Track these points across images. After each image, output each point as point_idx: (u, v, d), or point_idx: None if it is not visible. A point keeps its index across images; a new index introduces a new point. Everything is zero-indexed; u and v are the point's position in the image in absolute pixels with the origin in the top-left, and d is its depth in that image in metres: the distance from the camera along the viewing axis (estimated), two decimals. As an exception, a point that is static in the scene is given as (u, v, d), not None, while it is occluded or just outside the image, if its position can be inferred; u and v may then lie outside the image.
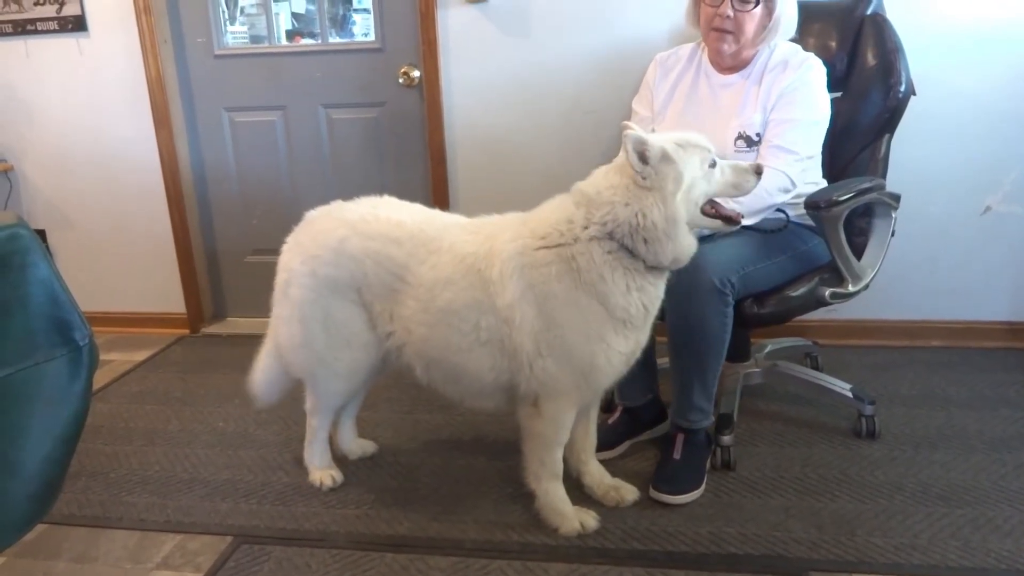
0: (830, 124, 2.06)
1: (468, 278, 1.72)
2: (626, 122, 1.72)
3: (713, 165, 1.68)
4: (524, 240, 1.70)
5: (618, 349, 1.72)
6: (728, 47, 2.02)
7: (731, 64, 2.08)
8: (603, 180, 1.68)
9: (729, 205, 1.78)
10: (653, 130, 2.14)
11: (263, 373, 2.08)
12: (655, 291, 1.72)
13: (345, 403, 2.13)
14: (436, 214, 1.92)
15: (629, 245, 1.64)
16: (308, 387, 2.03)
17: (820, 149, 2.08)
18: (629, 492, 1.96)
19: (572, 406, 1.80)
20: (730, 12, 1.97)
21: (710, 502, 1.95)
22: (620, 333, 1.70)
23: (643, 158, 1.60)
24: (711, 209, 1.71)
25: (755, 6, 1.97)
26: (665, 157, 1.61)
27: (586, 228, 1.65)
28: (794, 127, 1.97)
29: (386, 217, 1.85)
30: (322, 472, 2.10)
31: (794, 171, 1.96)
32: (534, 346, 1.69)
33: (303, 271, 1.86)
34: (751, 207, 1.90)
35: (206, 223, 3.37)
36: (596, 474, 1.99)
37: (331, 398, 2.02)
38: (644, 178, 1.61)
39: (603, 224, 1.64)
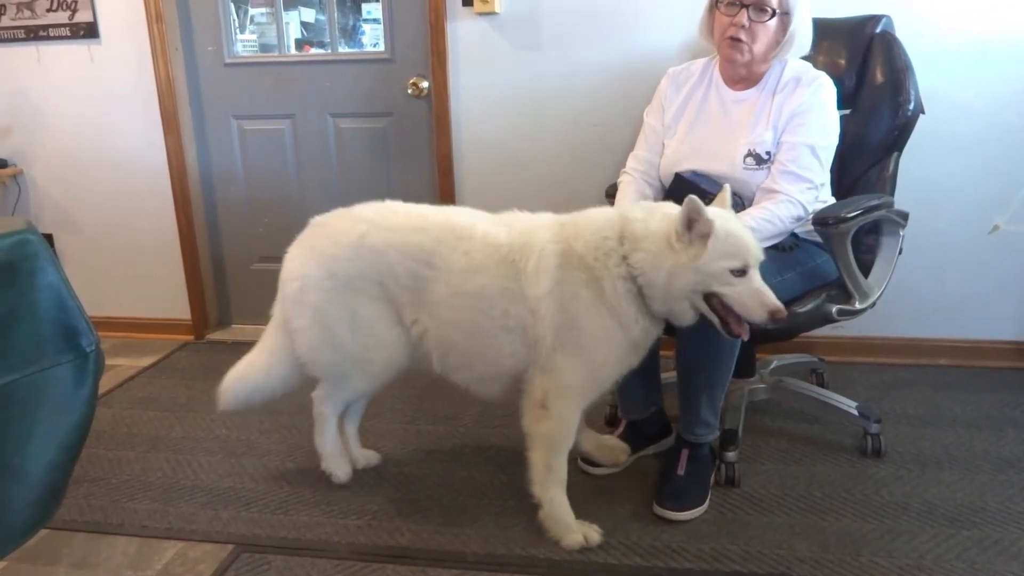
0: (839, 141, 2.06)
1: (501, 267, 1.78)
2: (692, 196, 1.66)
3: (741, 274, 1.67)
4: (566, 246, 1.76)
5: (626, 357, 1.81)
6: (742, 57, 2.01)
7: (744, 77, 2.07)
8: (652, 224, 1.71)
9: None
10: (663, 143, 2.17)
11: (240, 381, 2.05)
12: (655, 330, 1.82)
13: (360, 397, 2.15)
14: (453, 208, 1.98)
15: (644, 292, 1.71)
16: (330, 383, 2.04)
17: (830, 169, 2.08)
18: (622, 452, 2.15)
19: (579, 406, 1.84)
20: (746, 22, 1.97)
21: (714, 519, 1.93)
22: (629, 349, 1.79)
23: (690, 224, 1.64)
24: (721, 308, 1.70)
25: (771, 17, 1.97)
26: (705, 235, 1.64)
27: (619, 266, 1.71)
28: (807, 152, 1.96)
29: (404, 212, 1.91)
30: (332, 462, 2.13)
31: (807, 199, 1.96)
32: (553, 339, 1.75)
33: (320, 274, 1.87)
34: (763, 234, 1.91)
35: (213, 230, 3.38)
36: (592, 438, 2.15)
37: (351, 394, 2.07)
38: (678, 241, 1.66)
39: (632, 267, 1.70)
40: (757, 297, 1.67)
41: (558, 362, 1.76)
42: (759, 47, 2.00)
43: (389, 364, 1.95)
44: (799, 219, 1.96)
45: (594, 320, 1.73)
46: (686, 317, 1.74)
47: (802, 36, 2.02)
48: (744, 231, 1.71)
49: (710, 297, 1.70)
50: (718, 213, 1.70)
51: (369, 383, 2.01)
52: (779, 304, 1.68)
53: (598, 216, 1.80)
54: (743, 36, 1.98)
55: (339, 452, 2.15)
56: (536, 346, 1.77)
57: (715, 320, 1.73)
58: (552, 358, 1.76)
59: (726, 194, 1.80)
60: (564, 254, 1.74)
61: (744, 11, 1.97)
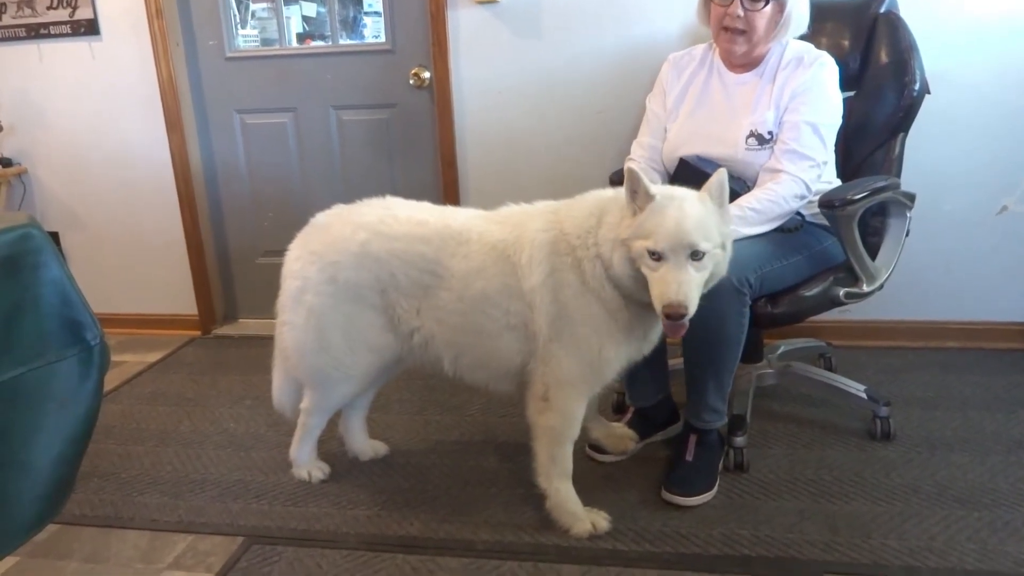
0: (843, 123, 2.04)
1: (499, 265, 1.77)
2: (631, 166, 1.63)
3: (659, 258, 1.55)
4: (556, 232, 1.73)
5: (624, 347, 1.77)
6: (739, 47, 2.00)
7: (743, 62, 2.06)
8: (622, 199, 1.66)
9: (746, 204, 1.78)
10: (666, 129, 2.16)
11: (284, 387, 2.09)
12: (648, 317, 1.72)
13: (346, 404, 2.13)
14: (451, 208, 1.95)
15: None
16: (313, 388, 2.02)
17: (833, 149, 2.06)
18: (630, 440, 2.15)
19: (581, 398, 1.82)
20: (740, 12, 1.95)
21: (723, 504, 1.93)
22: (624, 339, 1.75)
23: (633, 194, 1.60)
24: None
25: (765, 4, 1.95)
26: (648, 206, 1.58)
27: (596, 244, 1.69)
28: (809, 131, 1.95)
29: (406, 217, 1.86)
30: (310, 467, 2.14)
31: (810, 177, 1.94)
32: (548, 330, 1.74)
33: (321, 278, 1.85)
34: (768, 214, 1.91)
35: (217, 225, 3.38)
36: (601, 426, 2.15)
37: (338, 400, 2.03)
38: (631, 212, 1.61)
39: (599, 243, 1.67)
40: (661, 286, 1.55)
41: (554, 353, 1.75)
42: (757, 34, 1.98)
43: (371, 369, 1.94)
44: (802, 197, 1.95)
45: (582, 308, 1.71)
46: (646, 298, 1.63)
47: (799, 15, 2.00)
48: (678, 215, 1.54)
49: None
50: (670, 191, 1.61)
51: (351, 387, 1.98)
52: (679, 299, 1.53)
53: (592, 197, 1.78)
54: (739, 25, 1.97)
55: (315, 460, 2.16)
56: (535, 340, 1.76)
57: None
58: (548, 349, 1.75)
59: (717, 177, 1.60)
60: (554, 241, 1.72)
61: (737, 1, 1.95)
